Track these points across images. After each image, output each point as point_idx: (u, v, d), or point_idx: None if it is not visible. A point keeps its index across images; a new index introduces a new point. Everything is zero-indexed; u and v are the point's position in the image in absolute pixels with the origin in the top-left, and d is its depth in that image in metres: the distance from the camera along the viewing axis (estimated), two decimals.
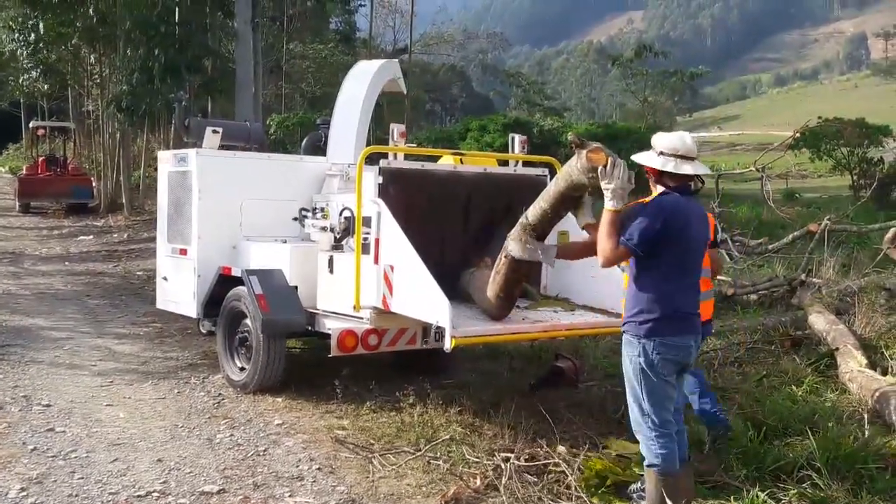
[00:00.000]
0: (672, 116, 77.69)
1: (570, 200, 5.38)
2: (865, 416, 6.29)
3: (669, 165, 4.53)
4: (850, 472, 5.34)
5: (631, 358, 4.59)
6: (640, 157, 4.68)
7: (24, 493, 5.10)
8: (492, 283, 6.09)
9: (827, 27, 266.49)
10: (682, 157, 4.54)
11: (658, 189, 4.64)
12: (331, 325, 6.87)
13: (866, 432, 5.89)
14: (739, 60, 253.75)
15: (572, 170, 5.06)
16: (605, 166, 4.67)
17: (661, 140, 4.63)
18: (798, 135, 21.70)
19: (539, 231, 5.69)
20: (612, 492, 5.13)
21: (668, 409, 4.60)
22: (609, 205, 4.57)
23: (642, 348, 4.51)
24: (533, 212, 5.67)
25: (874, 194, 19.32)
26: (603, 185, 4.66)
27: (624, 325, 4.66)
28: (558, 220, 5.82)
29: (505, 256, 5.90)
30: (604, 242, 4.51)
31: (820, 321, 8.69)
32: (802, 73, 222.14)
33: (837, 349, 7.85)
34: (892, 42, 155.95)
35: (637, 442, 4.73)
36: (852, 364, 7.37)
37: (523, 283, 6.37)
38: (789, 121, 57.13)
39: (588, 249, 5.18)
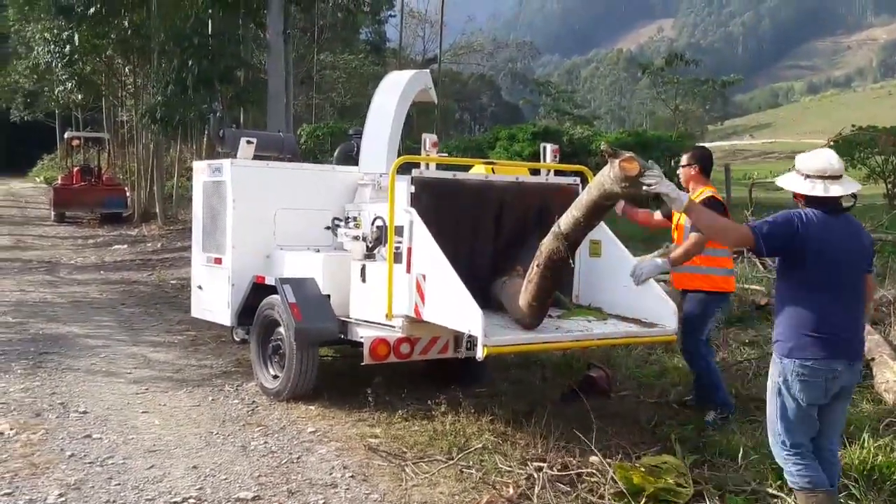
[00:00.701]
0: (703, 125, 77.17)
1: (603, 209, 5.37)
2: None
3: (818, 189, 4.43)
4: (886, 484, 5.28)
5: (772, 377, 4.56)
6: (785, 182, 4.60)
7: (63, 499, 5.17)
8: (524, 292, 6.08)
9: (860, 34, 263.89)
10: (830, 177, 4.45)
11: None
12: (363, 334, 6.91)
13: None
14: (771, 68, 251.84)
15: (605, 179, 5.03)
16: (638, 174, 4.63)
17: (806, 163, 4.52)
18: (832, 143, 21.48)
19: (571, 240, 5.68)
20: (648, 503, 5.10)
21: (805, 433, 4.53)
22: (683, 203, 4.48)
23: (782, 368, 4.47)
24: (565, 221, 5.65)
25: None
26: (662, 191, 4.52)
27: (773, 343, 4.63)
28: (591, 230, 5.80)
29: (537, 265, 5.89)
30: (724, 227, 4.55)
31: None
32: (835, 81, 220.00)
33: (873, 359, 7.76)
34: None
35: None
36: (888, 374, 7.29)
37: (555, 291, 6.37)
38: (822, 129, 56.68)
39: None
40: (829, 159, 4.48)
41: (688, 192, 6.62)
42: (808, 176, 4.48)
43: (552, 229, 5.80)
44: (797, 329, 4.42)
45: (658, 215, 7.22)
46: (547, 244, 5.80)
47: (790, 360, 4.42)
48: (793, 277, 4.48)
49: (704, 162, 6.93)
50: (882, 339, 8.20)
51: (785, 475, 4.60)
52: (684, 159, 7.01)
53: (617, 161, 4.80)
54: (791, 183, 4.55)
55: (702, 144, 6.75)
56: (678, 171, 7.08)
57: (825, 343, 4.39)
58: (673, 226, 6.90)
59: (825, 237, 4.40)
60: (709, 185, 6.86)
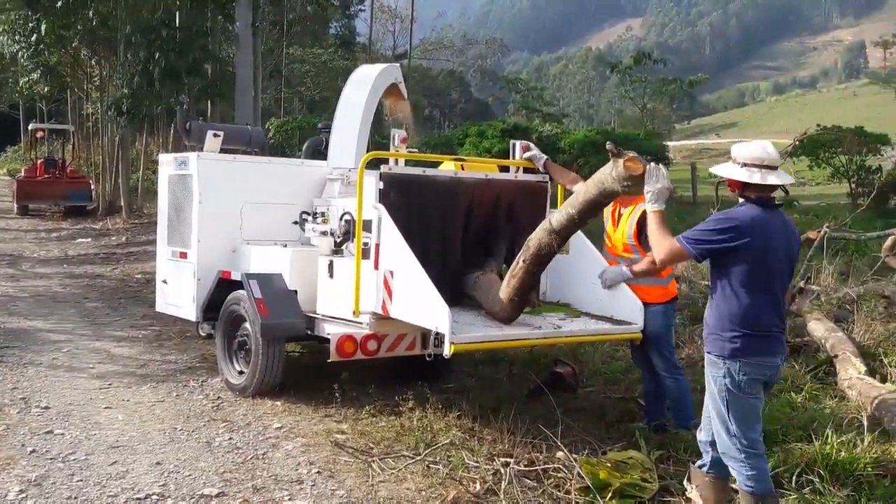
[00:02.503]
0: (670, 123, 77.77)
1: (599, 207, 5.38)
2: (865, 422, 6.29)
3: (755, 177, 4.40)
4: (849, 479, 5.34)
5: (716, 379, 4.50)
6: (721, 170, 4.57)
7: (24, 496, 5.10)
8: (506, 286, 6.08)
9: (825, 36, 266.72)
10: (767, 167, 4.43)
11: (740, 200, 4.56)
12: (330, 330, 6.87)
13: (865, 439, 5.89)
14: (738, 68, 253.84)
15: (606, 178, 5.00)
16: (642, 174, 4.64)
17: (743, 151, 4.49)
18: (797, 142, 21.74)
19: (562, 236, 5.67)
20: (614, 498, 5.12)
21: (756, 428, 4.52)
22: (655, 206, 4.64)
23: (727, 370, 4.43)
24: (558, 217, 5.64)
25: (872, 202, 19.32)
26: (646, 188, 4.67)
27: (707, 343, 4.58)
28: (583, 227, 5.82)
29: (523, 261, 5.88)
30: (660, 241, 4.54)
31: (819, 328, 8.70)
32: (801, 82, 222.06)
33: (836, 356, 7.85)
34: (890, 51, 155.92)
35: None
36: (851, 371, 7.37)
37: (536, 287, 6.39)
38: (787, 128, 57.21)
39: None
40: (766, 148, 4.49)
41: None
42: (745, 164, 4.46)
43: (542, 224, 5.79)
44: (738, 328, 4.41)
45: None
46: (536, 239, 5.80)
47: (734, 360, 4.41)
48: (729, 276, 4.43)
49: None
50: (845, 337, 8.29)
51: (738, 478, 4.53)
52: None
53: (621, 160, 4.79)
54: (728, 171, 4.52)
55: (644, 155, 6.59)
56: None
57: (765, 340, 4.43)
58: (608, 214, 6.60)
59: (761, 235, 4.39)
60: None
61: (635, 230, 6.29)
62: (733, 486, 4.82)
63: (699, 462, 4.89)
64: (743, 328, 4.40)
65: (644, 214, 6.13)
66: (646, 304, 6.36)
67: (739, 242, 4.34)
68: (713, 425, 4.60)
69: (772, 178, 4.42)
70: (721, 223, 4.41)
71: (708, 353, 4.57)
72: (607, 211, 6.54)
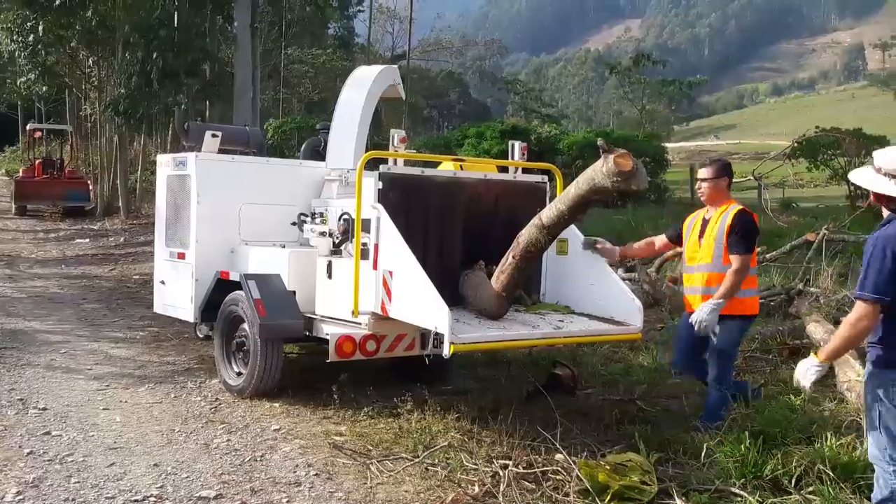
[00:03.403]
0: (669, 125, 77.98)
1: (589, 204, 5.41)
2: (864, 425, 6.27)
3: None
4: (848, 482, 5.32)
5: (869, 389, 4.36)
6: (874, 184, 4.24)
7: (21, 497, 5.07)
8: (495, 281, 6.13)
9: (824, 37, 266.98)
10: None
11: (885, 213, 4.30)
12: (329, 331, 6.85)
13: (864, 442, 5.87)
14: (737, 70, 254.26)
15: (596, 173, 5.05)
16: (632, 170, 4.66)
17: (892, 161, 4.17)
18: (796, 144, 21.77)
19: (552, 232, 5.71)
20: (613, 500, 5.10)
21: None
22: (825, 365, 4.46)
23: (881, 379, 4.27)
24: (548, 213, 5.69)
25: (871, 204, 19.36)
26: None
27: (868, 352, 4.38)
28: (572, 223, 5.86)
29: (513, 256, 5.92)
30: (853, 337, 4.26)
31: (818, 330, 8.68)
32: (800, 83, 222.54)
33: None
34: (889, 53, 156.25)
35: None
36: (850, 374, 7.35)
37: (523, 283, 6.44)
38: (786, 130, 57.33)
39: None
40: None
41: (711, 206, 6.33)
42: (888, 174, 4.17)
43: (532, 221, 5.84)
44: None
45: (662, 239, 6.86)
46: (526, 235, 5.87)
47: (890, 370, 4.23)
48: (892, 290, 4.16)
49: (731, 173, 6.47)
50: None
51: (878, 482, 4.39)
52: (709, 172, 6.33)
53: (612, 156, 4.85)
54: (880, 185, 4.21)
55: (720, 156, 6.63)
56: (700, 186, 6.40)
57: None
58: (693, 241, 6.36)
59: None
60: (732, 199, 6.44)
61: (727, 231, 6.09)
62: None
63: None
64: None
65: (736, 216, 6.07)
66: (723, 317, 6.10)
67: None
68: (867, 434, 4.47)
69: None
70: (879, 256, 4.14)
71: (868, 361, 4.41)
72: (689, 223, 6.44)
